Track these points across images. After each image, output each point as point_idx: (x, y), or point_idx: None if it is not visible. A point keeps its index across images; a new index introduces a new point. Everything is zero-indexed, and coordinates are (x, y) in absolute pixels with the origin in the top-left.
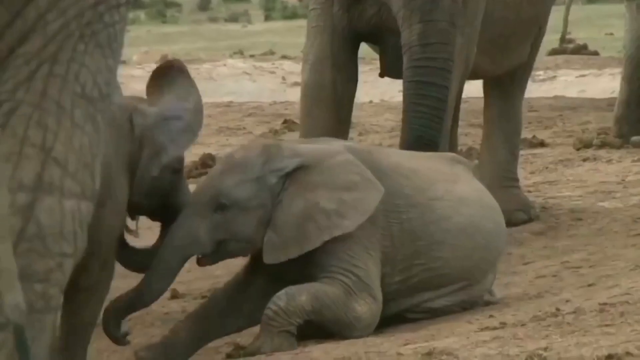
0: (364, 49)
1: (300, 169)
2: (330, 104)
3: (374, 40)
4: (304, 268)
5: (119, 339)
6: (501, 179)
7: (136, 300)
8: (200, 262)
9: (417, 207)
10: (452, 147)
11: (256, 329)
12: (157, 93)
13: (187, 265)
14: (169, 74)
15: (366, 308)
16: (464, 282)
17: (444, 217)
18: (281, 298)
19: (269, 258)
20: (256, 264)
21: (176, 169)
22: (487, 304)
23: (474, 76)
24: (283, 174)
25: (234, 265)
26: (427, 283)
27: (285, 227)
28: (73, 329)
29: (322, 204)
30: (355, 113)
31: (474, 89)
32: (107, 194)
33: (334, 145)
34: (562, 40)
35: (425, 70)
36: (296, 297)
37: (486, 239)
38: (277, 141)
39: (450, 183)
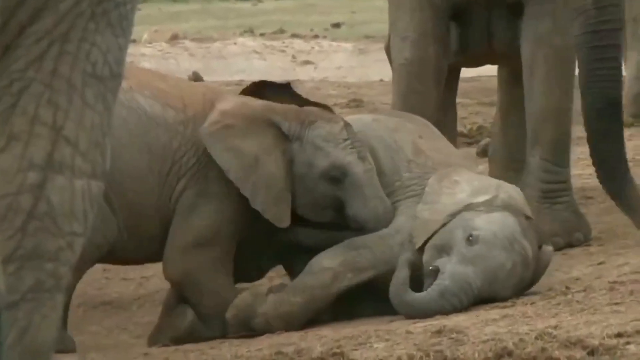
0: (376, 28)
1: None
2: (436, 80)
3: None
4: None
5: None
6: (513, 160)
7: None
8: None
9: None
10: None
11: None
12: None
13: None
14: None
15: None
16: None
17: None
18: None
19: None
20: None
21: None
22: None
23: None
24: None
25: None
26: None
27: None
28: None
29: None
30: (365, 91)
31: (484, 67)
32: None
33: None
34: None
35: (603, 34)
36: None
37: None
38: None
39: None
